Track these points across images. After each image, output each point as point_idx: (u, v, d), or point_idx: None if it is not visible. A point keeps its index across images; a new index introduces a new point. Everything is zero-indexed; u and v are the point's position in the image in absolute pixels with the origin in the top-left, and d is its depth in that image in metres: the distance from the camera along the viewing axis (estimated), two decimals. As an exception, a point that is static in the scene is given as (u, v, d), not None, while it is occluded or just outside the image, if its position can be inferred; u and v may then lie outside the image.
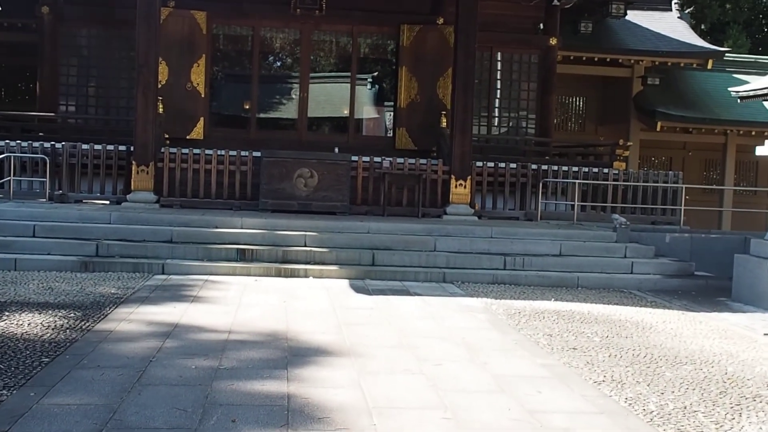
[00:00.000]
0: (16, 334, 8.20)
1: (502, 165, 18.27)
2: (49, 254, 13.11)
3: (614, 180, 18.42)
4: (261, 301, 10.69)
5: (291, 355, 7.76)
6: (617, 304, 11.88)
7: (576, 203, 17.34)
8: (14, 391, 6.33)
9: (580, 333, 9.51)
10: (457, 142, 17.26)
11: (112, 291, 10.93)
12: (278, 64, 22.29)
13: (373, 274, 13.10)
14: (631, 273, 14.10)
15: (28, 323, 8.71)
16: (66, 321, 8.90)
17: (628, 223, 15.30)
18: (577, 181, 17.68)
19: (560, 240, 14.68)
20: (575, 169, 18.40)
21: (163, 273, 12.68)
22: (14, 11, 20.99)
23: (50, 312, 9.35)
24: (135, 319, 9.18)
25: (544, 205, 17.99)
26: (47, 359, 7.28)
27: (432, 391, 6.75)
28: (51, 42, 20.15)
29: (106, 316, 9.29)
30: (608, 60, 23.44)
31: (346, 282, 12.57)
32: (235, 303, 10.42)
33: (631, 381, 7.43)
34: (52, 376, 6.76)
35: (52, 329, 8.49)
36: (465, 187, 17.21)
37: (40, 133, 19.24)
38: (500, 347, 8.52)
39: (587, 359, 8.19)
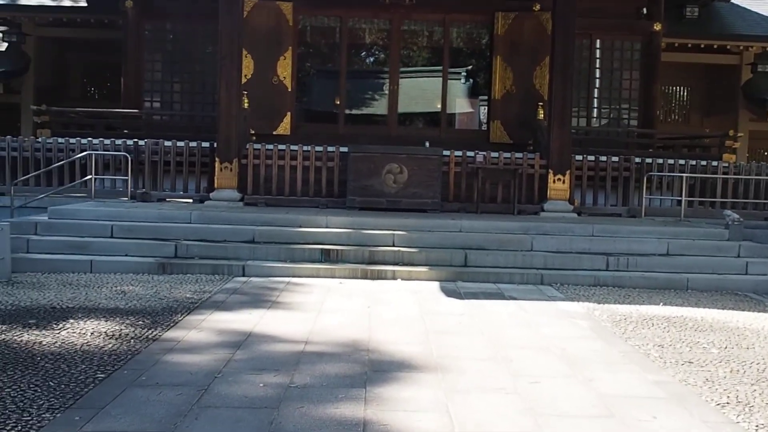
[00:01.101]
0: (75, 345, 7.58)
1: (603, 158, 17.22)
2: (126, 255, 12.65)
3: (724, 173, 17.24)
4: (343, 306, 9.93)
5: (371, 370, 6.95)
6: (732, 308, 10.78)
7: (683, 198, 16.19)
8: (58, 414, 5.64)
9: (695, 343, 8.50)
10: (556, 135, 16.33)
11: (188, 295, 10.31)
12: (367, 56, 21.57)
13: (465, 275, 12.25)
14: (746, 274, 12.92)
15: (91, 332, 8.10)
16: (132, 329, 8.27)
17: (741, 219, 14.09)
18: (684, 174, 16.47)
19: (667, 238, 13.60)
20: (681, 162, 17.24)
21: (243, 275, 12.06)
22: (101, 8, 20.86)
23: (117, 319, 8.75)
24: (206, 327, 8.49)
25: (648, 201, 16.86)
26: (102, 375, 6.61)
27: (529, 416, 5.87)
28: (135, 37, 19.83)
29: (177, 323, 8.63)
30: (715, 47, 21.95)
31: (436, 284, 11.74)
32: (315, 308, 9.67)
33: (760, 403, 6.42)
34: (103, 395, 6.07)
35: (116, 339, 7.85)
36: (563, 182, 16.26)
37: (125, 131, 18.91)
38: (606, 360, 7.57)
39: (706, 375, 7.19)
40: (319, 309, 9.66)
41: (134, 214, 13.95)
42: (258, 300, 10.16)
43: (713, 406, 6.30)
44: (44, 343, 7.63)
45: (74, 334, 7.98)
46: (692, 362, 7.66)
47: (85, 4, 21.46)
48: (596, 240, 13.50)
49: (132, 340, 7.81)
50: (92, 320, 8.65)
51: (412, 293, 10.95)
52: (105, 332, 8.11)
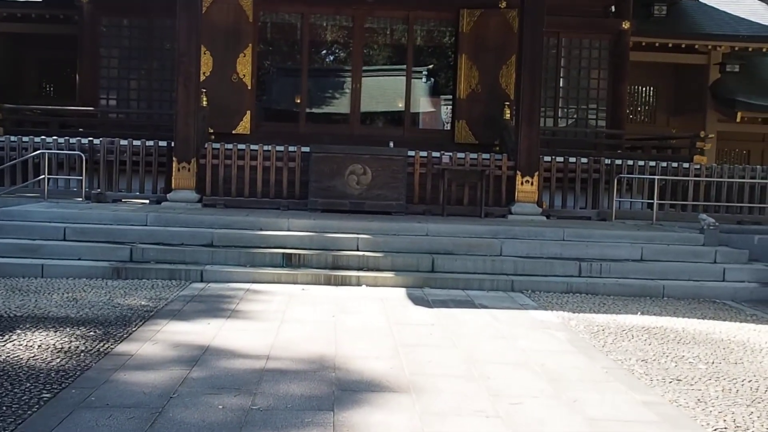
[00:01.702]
0: (21, 359, 7.01)
1: (573, 160, 16.81)
2: (79, 259, 12.06)
3: (695, 175, 16.90)
4: (307, 315, 9.42)
5: (339, 389, 6.45)
6: (713, 318, 10.37)
7: (655, 201, 15.77)
8: (-5, 444, 5.11)
9: (680, 358, 8.06)
10: (524, 135, 15.89)
11: (143, 302, 9.76)
12: (329, 53, 21.07)
13: (432, 281, 11.78)
14: (723, 281, 12.55)
15: (38, 345, 7.53)
16: (83, 342, 7.72)
17: (716, 223, 13.75)
18: (656, 177, 16.08)
19: (641, 243, 13.23)
20: (652, 163, 16.90)
21: (201, 280, 11.52)
22: (57, 2, 20.23)
23: (68, 329, 8.19)
24: (161, 339, 7.95)
25: (618, 204, 16.47)
26: (48, 395, 6.07)
27: (513, 443, 5.42)
28: (91, 32, 19.28)
29: (131, 334, 8.09)
30: (683, 46, 21.70)
31: (402, 291, 11.27)
32: (277, 318, 9.17)
33: (760, 428, 5.96)
34: (48, 419, 5.53)
35: (65, 353, 7.30)
36: (532, 183, 15.84)
37: (80, 129, 18.34)
38: (589, 377, 7.12)
39: (697, 395, 6.73)
40: (282, 318, 9.16)
41: (88, 216, 13.39)
42: (217, 308, 9.63)
43: None
44: (-14, 358, 7.09)
45: (20, 347, 7.42)
46: (680, 380, 7.21)
47: (41, -1, 20.85)
48: (568, 245, 13.11)
49: (82, 354, 7.26)
50: (41, 331, 8.10)
51: (378, 301, 10.47)
52: (53, 345, 7.55)
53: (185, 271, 11.68)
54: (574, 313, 10.17)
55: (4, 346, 7.47)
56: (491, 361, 7.56)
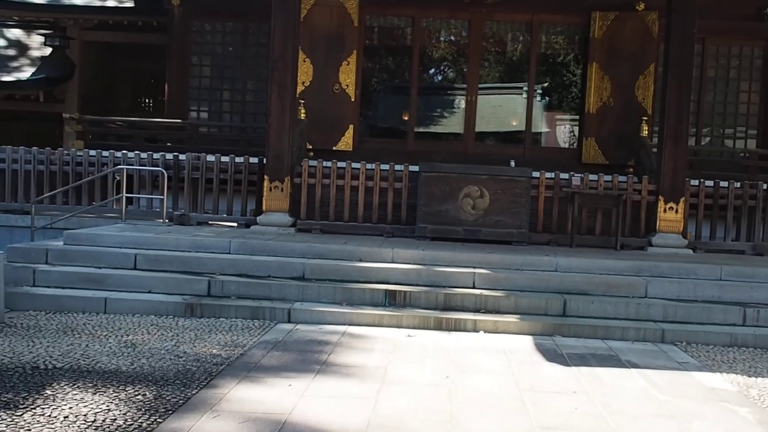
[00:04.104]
0: (32, 440, 5.25)
1: (724, 184, 14.50)
2: (149, 292, 10.47)
3: None
4: (414, 374, 7.46)
5: None
6: None
7: (825, 235, 13.47)
8: None
9: None
10: (668, 155, 13.68)
11: (214, 350, 8.01)
12: (442, 62, 19.10)
13: (564, 329, 9.71)
14: None
15: (65, 416, 5.77)
16: (124, 410, 5.95)
17: None
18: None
19: (818, 286, 10.95)
20: (821, 190, 14.49)
21: (288, 321, 9.78)
22: (149, 9, 18.83)
23: (111, 390, 6.46)
24: (226, 409, 6.09)
25: (777, 236, 14.09)
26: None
27: None
28: (181, 39, 17.80)
29: (188, 401, 6.28)
30: None
31: (529, 340, 9.26)
32: (377, 377, 7.25)
33: None
34: None
35: (94, 430, 5.48)
36: (677, 211, 13.62)
37: (167, 143, 16.80)
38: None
39: None
40: (383, 378, 7.24)
41: (164, 242, 11.76)
42: (304, 360, 7.81)
43: None
44: (-12, 437, 5.34)
45: (40, 420, 5.66)
46: None
47: (132, 5, 19.46)
48: (727, 286, 10.91)
49: (115, 433, 5.47)
50: (77, 391, 6.37)
51: (501, 354, 8.48)
52: (84, 416, 5.78)
53: (270, 309, 9.92)
54: (749, 376, 8.01)
55: (22, 416, 5.73)
56: (667, 458, 5.48)
